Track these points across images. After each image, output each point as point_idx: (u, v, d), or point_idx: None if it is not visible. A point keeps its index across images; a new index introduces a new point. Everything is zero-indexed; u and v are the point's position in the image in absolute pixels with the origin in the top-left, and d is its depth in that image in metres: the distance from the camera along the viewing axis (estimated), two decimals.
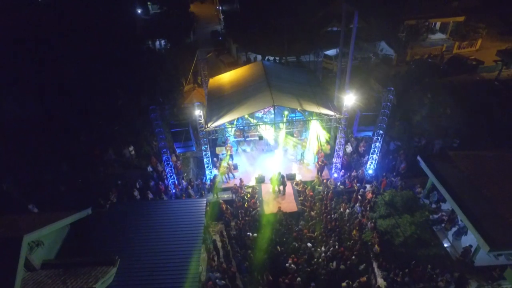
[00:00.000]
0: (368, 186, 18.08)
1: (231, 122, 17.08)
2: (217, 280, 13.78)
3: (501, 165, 15.56)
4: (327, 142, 20.29)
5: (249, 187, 18.24)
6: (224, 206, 17.08)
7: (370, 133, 17.62)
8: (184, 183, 18.70)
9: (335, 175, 19.11)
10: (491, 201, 14.20)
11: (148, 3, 51.61)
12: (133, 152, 21.89)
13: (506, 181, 14.73)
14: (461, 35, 34.96)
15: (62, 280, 11.26)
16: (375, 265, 14.39)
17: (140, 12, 48.29)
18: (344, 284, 13.44)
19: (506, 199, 14.08)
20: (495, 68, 29.89)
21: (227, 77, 21.25)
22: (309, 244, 14.78)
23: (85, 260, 12.26)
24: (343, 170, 19.04)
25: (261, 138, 18.37)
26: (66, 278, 11.34)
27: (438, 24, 38.88)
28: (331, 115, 16.84)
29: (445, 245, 15.47)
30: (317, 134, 19.07)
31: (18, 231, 11.06)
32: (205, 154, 17.85)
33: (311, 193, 17.42)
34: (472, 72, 30.33)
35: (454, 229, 16.00)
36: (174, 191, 18.50)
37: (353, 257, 14.35)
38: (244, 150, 21.40)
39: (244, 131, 20.43)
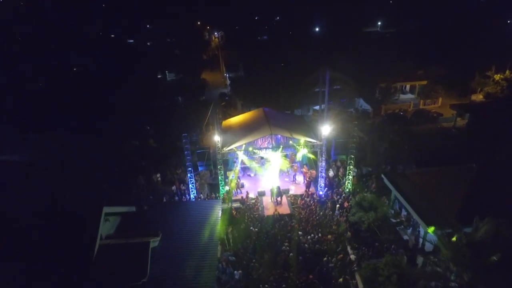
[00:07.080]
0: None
1: (239, 147, 22.98)
2: (229, 257, 18.39)
3: (439, 177, 21.08)
4: (313, 167, 25.92)
5: (253, 198, 23.44)
6: (234, 212, 22.13)
7: (344, 156, 23.44)
8: (202, 197, 23.93)
9: (321, 192, 24.38)
10: (432, 202, 19.47)
11: (166, 71, 61.54)
12: (159, 179, 27.42)
13: (443, 188, 20.11)
14: (425, 95, 42.95)
15: (123, 241, 16.12)
16: (348, 247, 19.07)
17: (159, 78, 57.63)
18: (325, 258, 18.02)
19: (442, 200, 19.34)
20: (452, 119, 36.92)
21: (235, 119, 27.96)
22: (300, 233, 19.63)
23: (136, 233, 17.15)
24: (326, 188, 24.41)
25: (262, 158, 24.20)
26: (126, 241, 16.20)
27: (408, 86, 47.31)
28: (314, 142, 22.86)
29: (405, 238, 20.30)
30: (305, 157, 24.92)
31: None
32: (220, 172, 23.40)
33: (302, 202, 22.65)
34: (434, 122, 37.34)
35: (411, 228, 20.97)
36: None
37: (332, 242, 19.12)
38: (249, 175, 26.95)
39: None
